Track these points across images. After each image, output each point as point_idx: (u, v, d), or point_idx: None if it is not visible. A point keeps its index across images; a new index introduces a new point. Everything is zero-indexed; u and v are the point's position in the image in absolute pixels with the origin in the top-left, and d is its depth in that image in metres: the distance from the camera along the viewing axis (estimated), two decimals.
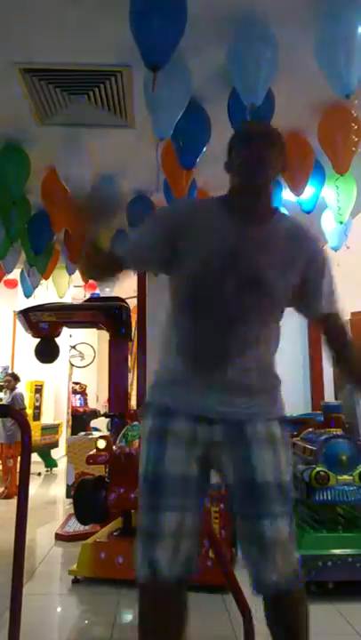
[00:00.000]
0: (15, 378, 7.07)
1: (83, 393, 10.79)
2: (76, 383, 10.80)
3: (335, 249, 4.28)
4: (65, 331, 5.92)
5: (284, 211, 1.97)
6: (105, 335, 5.44)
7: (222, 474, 1.60)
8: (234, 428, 1.56)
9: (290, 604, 1.56)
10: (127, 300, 5.28)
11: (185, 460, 1.54)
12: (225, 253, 1.56)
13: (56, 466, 8.25)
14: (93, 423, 7.63)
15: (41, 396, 8.54)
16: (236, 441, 1.56)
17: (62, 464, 7.68)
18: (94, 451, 3.70)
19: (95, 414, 9.32)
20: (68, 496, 5.44)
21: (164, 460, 1.53)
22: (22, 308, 5.25)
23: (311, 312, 1.71)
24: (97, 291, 6.50)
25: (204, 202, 1.74)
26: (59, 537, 4.28)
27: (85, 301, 5.78)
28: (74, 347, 10.31)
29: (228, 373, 1.56)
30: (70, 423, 9.75)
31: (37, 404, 8.40)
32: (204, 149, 3.00)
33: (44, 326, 5.07)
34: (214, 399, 1.56)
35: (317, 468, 3.05)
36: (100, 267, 1.70)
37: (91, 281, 6.11)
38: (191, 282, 1.59)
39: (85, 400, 10.76)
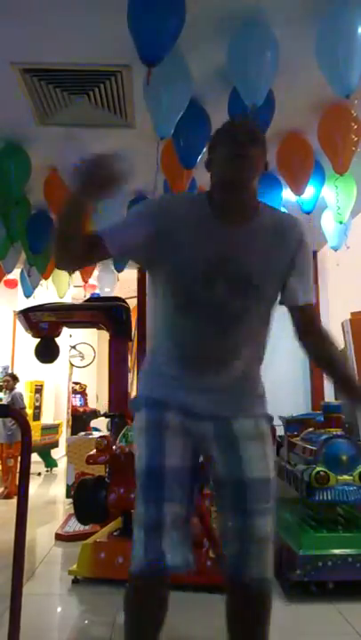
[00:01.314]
0: (14, 378, 7.08)
1: (83, 393, 10.80)
2: (76, 383, 10.81)
3: (335, 249, 4.28)
4: (65, 331, 5.91)
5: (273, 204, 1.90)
6: (105, 335, 5.45)
7: (211, 468, 1.62)
8: (222, 424, 1.58)
9: (263, 602, 1.57)
10: (127, 300, 5.28)
11: (182, 450, 1.56)
12: (212, 256, 1.54)
13: (56, 466, 8.26)
14: (93, 423, 7.64)
15: (41, 396, 8.55)
16: (224, 437, 1.58)
17: (62, 464, 7.68)
18: (94, 451, 3.70)
19: (95, 414, 9.33)
20: (68, 496, 5.44)
21: (164, 451, 1.54)
22: (22, 308, 5.24)
23: (295, 300, 1.67)
24: (97, 291, 6.49)
25: (189, 199, 1.71)
26: (59, 537, 4.28)
27: (85, 301, 5.77)
28: (74, 347, 10.31)
29: (221, 376, 1.58)
30: (70, 423, 9.75)
31: (37, 403, 8.40)
32: (204, 149, 3.00)
33: (44, 326, 5.07)
34: (204, 399, 1.58)
35: (317, 468, 3.04)
36: (71, 240, 1.47)
37: (90, 281, 6.11)
38: (180, 286, 1.57)
39: (85, 400, 10.76)
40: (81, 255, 1.54)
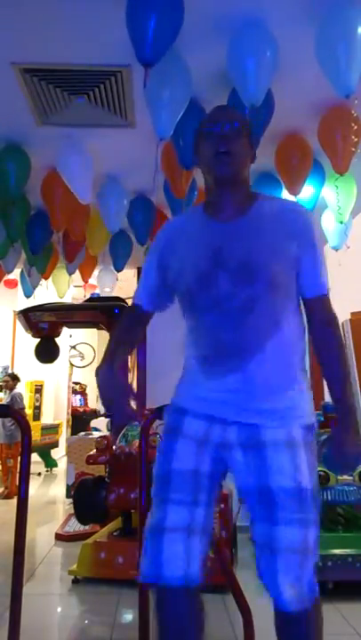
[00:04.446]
0: (14, 378, 7.07)
1: (83, 393, 10.80)
2: (76, 383, 10.81)
3: (335, 249, 4.28)
4: (65, 331, 5.91)
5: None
6: (105, 335, 5.45)
7: (237, 476, 1.56)
8: (249, 430, 1.50)
9: (301, 624, 1.46)
10: (127, 300, 5.28)
11: (195, 455, 1.52)
12: (210, 253, 1.55)
13: (56, 466, 8.26)
14: (93, 423, 7.64)
15: (41, 395, 8.55)
16: (250, 444, 1.50)
17: (62, 464, 7.69)
18: (94, 451, 3.70)
19: (95, 414, 9.33)
20: (68, 496, 5.45)
21: (173, 455, 1.52)
22: (22, 308, 5.24)
23: (302, 292, 1.61)
24: (97, 291, 6.49)
25: (187, 214, 1.78)
26: (59, 537, 4.29)
27: (85, 301, 5.77)
28: (74, 347, 10.31)
29: (245, 371, 1.50)
30: (70, 423, 9.76)
31: (37, 403, 8.41)
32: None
33: (44, 326, 5.07)
34: (229, 404, 1.52)
35: (318, 468, 3.04)
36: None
37: (91, 281, 6.11)
38: (186, 289, 1.59)
39: (85, 400, 10.76)
40: (142, 331, 1.80)
